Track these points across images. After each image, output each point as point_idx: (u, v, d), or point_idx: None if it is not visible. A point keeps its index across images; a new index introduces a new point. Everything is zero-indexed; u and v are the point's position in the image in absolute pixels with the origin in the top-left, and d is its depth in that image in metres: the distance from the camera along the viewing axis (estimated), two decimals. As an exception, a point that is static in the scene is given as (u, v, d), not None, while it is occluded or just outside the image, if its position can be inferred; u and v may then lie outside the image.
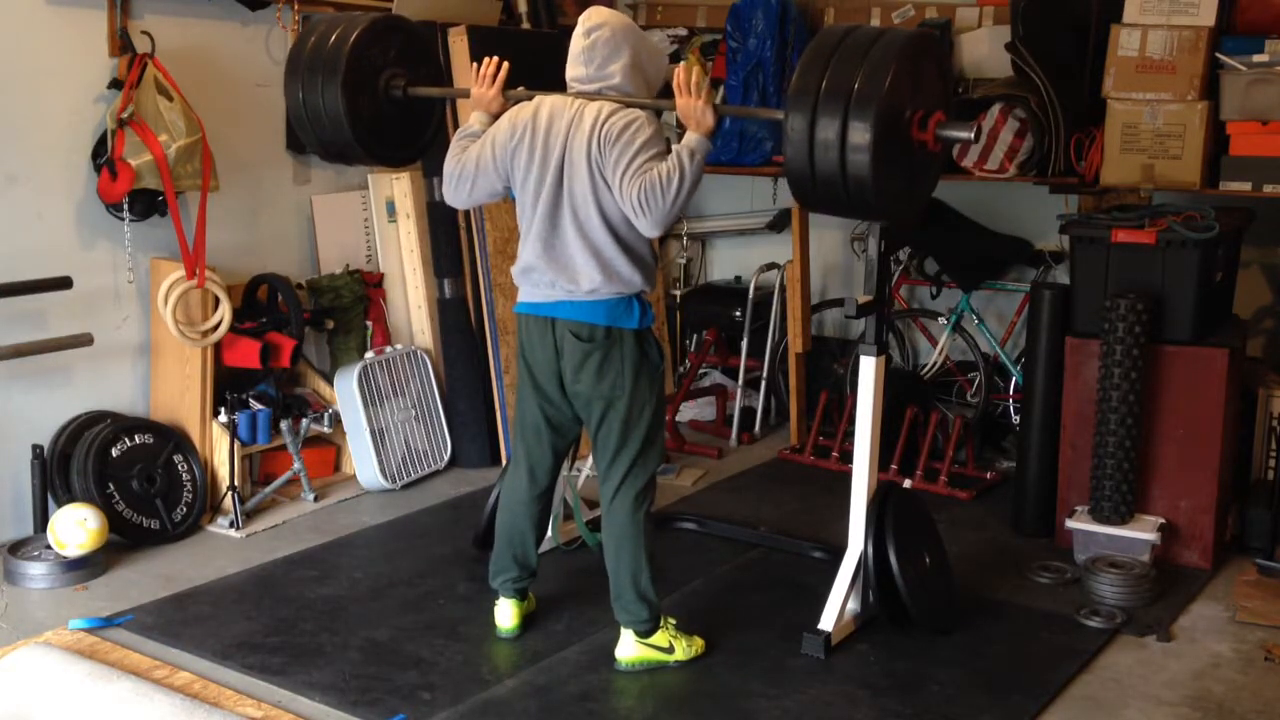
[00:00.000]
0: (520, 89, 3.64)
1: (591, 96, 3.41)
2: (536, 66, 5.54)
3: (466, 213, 5.30)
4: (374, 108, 3.88)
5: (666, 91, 3.44)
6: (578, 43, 3.42)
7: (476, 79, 3.67)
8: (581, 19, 3.43)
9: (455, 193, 3.60)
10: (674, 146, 3.30)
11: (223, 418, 4.72)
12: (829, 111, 2.99)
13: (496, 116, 3.60)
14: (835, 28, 3.20)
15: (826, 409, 5.62)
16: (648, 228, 3.30)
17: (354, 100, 3.80)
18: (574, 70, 3.44)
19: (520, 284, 3.56)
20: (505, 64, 3.64)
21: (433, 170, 5.36)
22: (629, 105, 3.37)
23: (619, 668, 3.58)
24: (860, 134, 2.96)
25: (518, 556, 3.77)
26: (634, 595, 3.54)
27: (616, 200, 3.32)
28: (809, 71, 3.06)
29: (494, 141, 3.50)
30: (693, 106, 3.32)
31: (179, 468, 4.63)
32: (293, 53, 3.93)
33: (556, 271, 3.43)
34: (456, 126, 5.14)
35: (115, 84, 4.49)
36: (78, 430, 4.50)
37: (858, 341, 3.89)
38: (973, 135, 3.17)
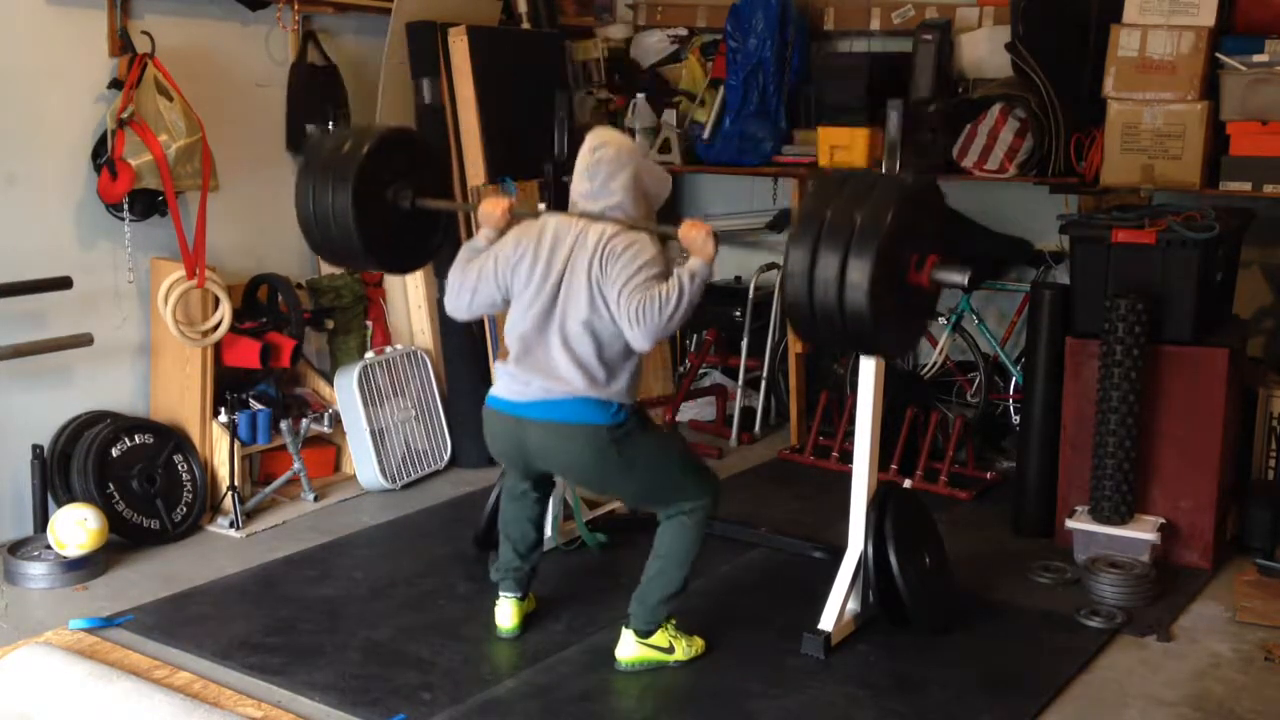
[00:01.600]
0: (527, 209, 3.73)
1: (595, 218, 3.46)
2: (536, 67, 5.58)
3: (467, 213, 5.30)
4: (381, 218, 3.92)
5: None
6: (583, 159, 3.52)
7: (485, 202, 3.75)
8: (589, 137, 3.56)
9: (456, 302, 3.68)
10: (675, 270, 3.36)
11: (223, 418, 4.72)
12: (829, 250, 3.08)
13: (502, 232, 3.67)
14: (837, 174, 3.34)
15: (826, 409, 5.62)
16: (639, 340, 3.34)
17: (362, 211, 3.84)
18: (579, 185, 3.53)
19: (497, 377, 3.62)
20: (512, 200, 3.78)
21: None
22: (633, 228, 3.43)
23: (619, 668, 3.58)
24: (859, 273, 3.04)
25: (519, 550, 3.79)
26: (659, 601, 3.55)
27: (612, 314, 3.36)
28: (812, 212, 3.18)
29: (497, 255, 3.57)
30: (695, 235, 3.40)
31: (179, 468, 4.63)
32: (306, 159, 4.01)
33: (534, 372, 3.47)
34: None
35: (115, 84, 4.50)
36: (78, 430, 4.51)
37: (858, 342, 3.90)
38: (966, 281, 3.25)
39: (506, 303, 3.58)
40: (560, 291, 3.44)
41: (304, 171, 3.95)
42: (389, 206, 3.92)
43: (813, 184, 3.29)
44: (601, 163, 3.47)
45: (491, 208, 3.69)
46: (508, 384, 3.55)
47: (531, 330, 3.47)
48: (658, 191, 3.61)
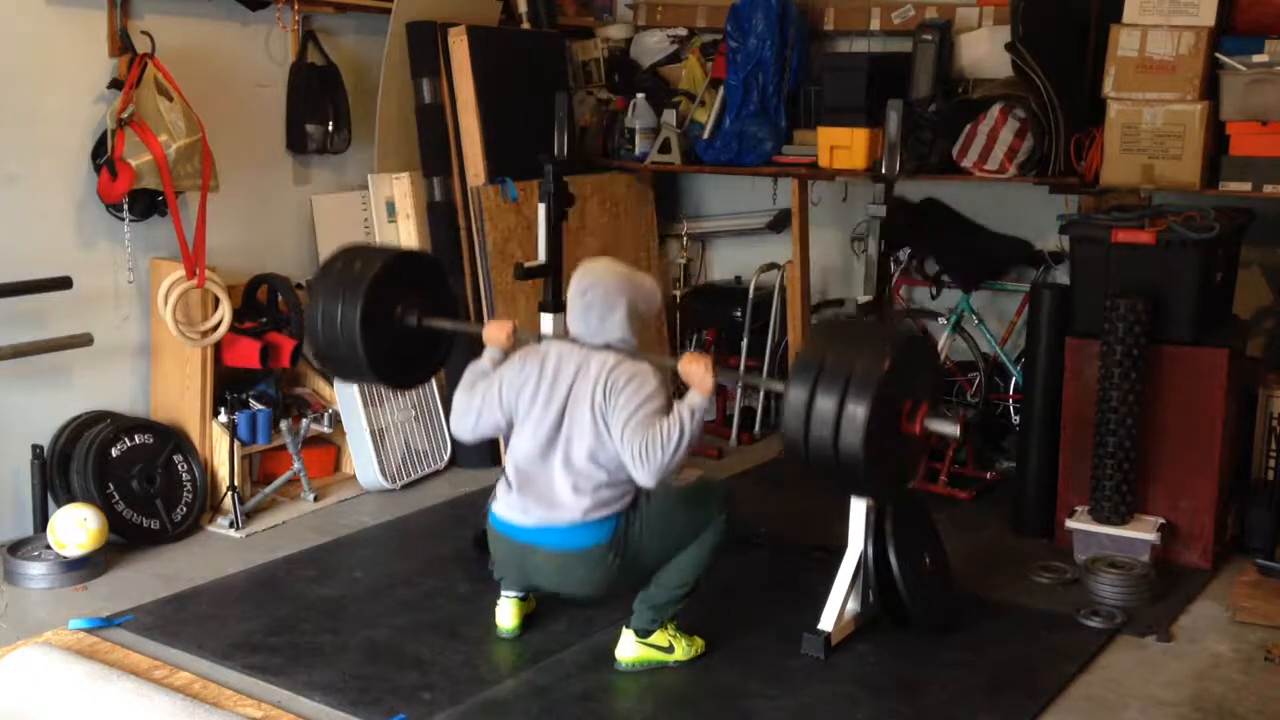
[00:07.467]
0: (530, 331, 3.78)
1: (597, 348, 3.50)
2: (536, 67, 5.58)
3: (466, 213, 5.31)
4: (387, 335, 3.90)
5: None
6: (574, 302, 3.55)
7: (490, 325, 3.79)
8: (575, 277, 3.58)
9: (460, 424, 3.69)
10: (675, 404, 3.38)
11: (223, 418, 4.72)
12: (828, 389, 3.09)
13: (507, 354, 3.70)
14: (837, 319, 3.32)
15: (826, 409, 5.60)
16: (645, 478, 3.37)
17: (369, 328, 3.81)
18: (574, 327, 3.57)
19: (499, 494, 3.62)
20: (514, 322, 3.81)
21: (433, 170, 5.37)
22: (634, 358, 3.46)
23: (619, 668, 3.58)
24: (855, 413, 3.06)
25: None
26: (667, 602, 3.56)
27: (615, 447, 3.38)
28: (812, 350, 3.21)
29: (502, 380, 3.61)
30: (695, 369, 3.40)
31: (179, 468, 4.63)
32: (318, 275, 4.02)
33: (534, 502, 3.49)
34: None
35: (115, 84, 4.49)
36: (78, 430, 4.51)
37: (858, 342, 3.89)
38: (957, 431, 3.30)
39: (510, 425, 3.61)
40: (564, 420, 3.47)
41: (315, 286, 3.95)
42: (396, 324, 3.90)
43: (815, 326, 3.32)
44: (593, 306, 3.50)
45: (496, 331, 3.75)
46: (507, 506, 3.57)
47: (534, 456, 3.50)
48: (649, 310, 3.64)
